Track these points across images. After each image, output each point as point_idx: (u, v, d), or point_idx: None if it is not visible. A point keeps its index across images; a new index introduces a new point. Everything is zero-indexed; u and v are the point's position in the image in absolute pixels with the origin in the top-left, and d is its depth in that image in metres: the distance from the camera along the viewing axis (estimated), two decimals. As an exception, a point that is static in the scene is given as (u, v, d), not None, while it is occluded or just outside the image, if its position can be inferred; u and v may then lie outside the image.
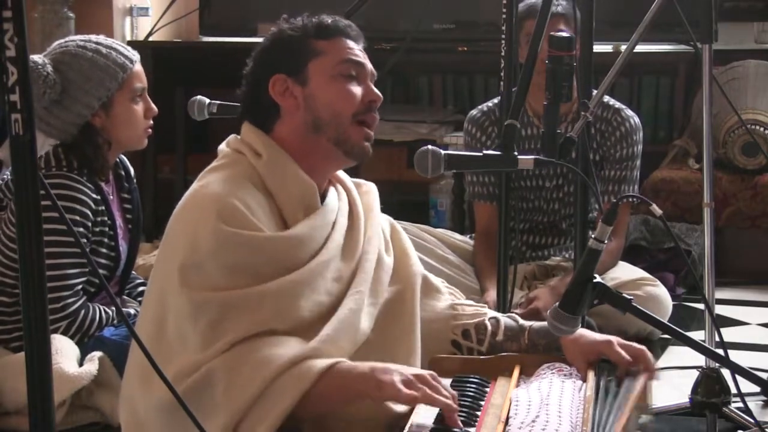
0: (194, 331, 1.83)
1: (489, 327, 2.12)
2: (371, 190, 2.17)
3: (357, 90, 2.01)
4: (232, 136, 2.05)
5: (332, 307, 1.94)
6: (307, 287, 1.90)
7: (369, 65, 2.06)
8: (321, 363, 1.81)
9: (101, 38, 2.91)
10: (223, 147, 2.05)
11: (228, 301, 1.84)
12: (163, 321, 1.88)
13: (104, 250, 2.89)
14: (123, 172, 3.02)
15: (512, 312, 2.57)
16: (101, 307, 2.89)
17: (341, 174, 2.13)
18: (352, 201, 2.09)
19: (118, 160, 3.00)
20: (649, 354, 1.98)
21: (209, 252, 1.85)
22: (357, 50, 2.04)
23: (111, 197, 2.94)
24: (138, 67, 2.90)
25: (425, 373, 1.79)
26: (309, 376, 1.78)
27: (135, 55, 2.91)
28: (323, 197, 2.03)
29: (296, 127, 2.00)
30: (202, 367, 1.80)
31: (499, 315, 2.16)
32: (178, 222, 1.94)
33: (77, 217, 2.79)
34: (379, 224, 2.12)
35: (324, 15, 2.06)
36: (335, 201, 2.05)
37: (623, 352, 1.96)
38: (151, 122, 2.95)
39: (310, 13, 2.06)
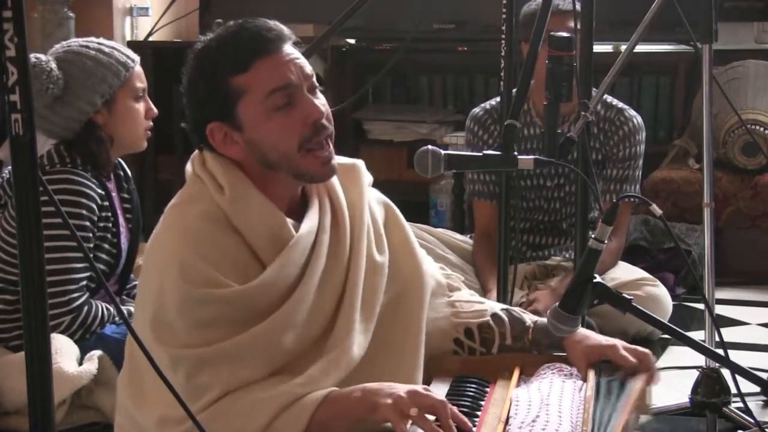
0: (176, 378, 1.78)
1: (495, 328, 2.08)
2: (360, 176, 2.04)
3: (295, 118, 1.85)
4: (195, 156, 1.93)
5: (316, 335, 1.88)
6: (287, 326, 1.84)
7: (297, 75, 1.85)
8: (313, 398, 1.78)
9: (102, 40, 2.98)
10: (188, 169, 1.93)
11: (203, 358, 1.78)
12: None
13: (107, 246, 2.92)
14: (122, 173, 3.05)
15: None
16: (103, 304, 2.91)
17: None
18: (337, 206, 1.97)
19: (117, 161, 3.03)
20: (653, 358, 1.97)
21: (176, 311, 1.79)
22: (279, 66, 1.84)
23: (113, 194, 2.98)
24: (139, 68, 2.97)
25: (419, 388, 1.77)
26: (304, 415, 1.76)
27: (136, 57, 2.97)
28: (304, 207, 1.94)
29: (251, 164, 1.89)
30: (187, 421, 1.71)
31: (499, 311, 2.10)
32: (148, 268, 1.88)
33: (84, 211, 2.81)
34: (368, 219, 1.99)
35: (237, 31, 1.86)
36: (314, 221, 1.92)
37: (629, 356, 1.95)
38: (151, 124, 3.00)
39: (214, 30, 1.89)
